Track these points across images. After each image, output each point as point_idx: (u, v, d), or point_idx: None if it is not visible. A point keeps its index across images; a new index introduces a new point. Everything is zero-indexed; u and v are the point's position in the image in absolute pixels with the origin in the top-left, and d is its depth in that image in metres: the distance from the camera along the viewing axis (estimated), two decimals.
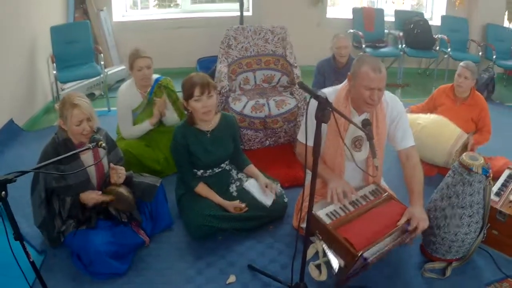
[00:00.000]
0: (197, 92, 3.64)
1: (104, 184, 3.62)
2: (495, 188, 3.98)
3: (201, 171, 3.97)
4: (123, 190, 3.54)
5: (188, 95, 3.69)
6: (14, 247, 2.48)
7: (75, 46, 6.84)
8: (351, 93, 3.44)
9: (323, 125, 2.54)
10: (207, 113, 3.73)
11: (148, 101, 4.69)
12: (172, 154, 3.96)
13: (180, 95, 4.07)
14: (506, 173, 4.33)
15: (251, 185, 4.05)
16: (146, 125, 4.66)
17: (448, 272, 3.49)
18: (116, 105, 4.71)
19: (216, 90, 3.83)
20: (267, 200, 3.94)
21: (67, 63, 6.68)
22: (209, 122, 3.88)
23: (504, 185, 4.10)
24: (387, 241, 3.10)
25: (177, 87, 4.79)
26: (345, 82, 3.53)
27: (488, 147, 5.15)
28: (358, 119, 3.45)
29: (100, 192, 3.52)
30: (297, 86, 5.31)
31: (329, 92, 3.46)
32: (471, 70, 5.03)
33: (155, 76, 4.74)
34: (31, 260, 2.57)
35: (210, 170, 3.99)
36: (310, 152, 2.62)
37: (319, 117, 2.48)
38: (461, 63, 5.12)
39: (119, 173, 3.56)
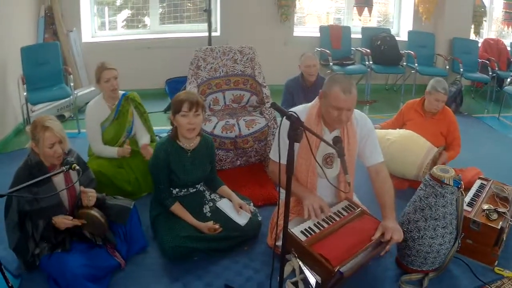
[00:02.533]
0: (185, 107, 3.67)
1: (76, 206, 3.58)
2: (467, 199, 4.03)
3: (177, 189, 3.97)
4: (95, 212, 3.51)
5: (176, 110, 3.72)
6: None
7: (45, 67, 6.76)
8: (322, 111, 3.47)
9: (295, 143, 2.55)
10: (190, 131, 3.75)
11: (116, 114, 4.71)
12: (152, 169, 3.94)
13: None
14: (477, 183, 4.41)
15: (224, 204, 4.06)
16: (113, 152, 4.65)
17: (425, 283, 3.50)
18: (85, 120, 4.71)
19: (204, 110, 3.86)
20: (241, 219, 3.93)
21: (37, 84, 6.60)
22: (191, 141, 3.89)
23: (476, 195, 4.16)
24: (363, 255, 3.10)
25: (147, 108, 4.92)
26: (316, 99, 3.56)
27: (458, 158, 5.20)
28: (329, 136, 3.47)
29: (71, 218, 3.47)
30: (266, 105, 5.33)
31: (300, 110, 3.46)
32: (447, 92, 5.06)
33: (121, 92, 4.77)
34: (10, 285, 2.54)
35: (185, 190, 3.99)
36: (283, 170, 2.62)
37: (292, 137, 2.49)
38: (439, 88, 5.02)
39: (90, 196, 3.53)
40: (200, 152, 3.98)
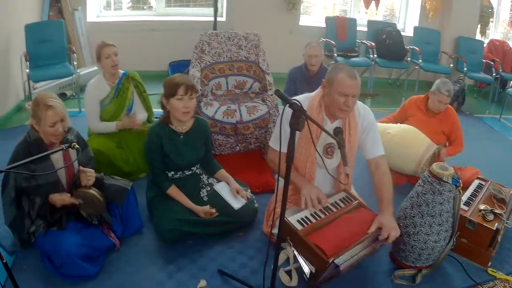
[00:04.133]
0: (181, 91, 3.68)
1: (74, 185, 3.56)
2: (464, 198, 4.03)
3: (172, 172, 3.97)
4: (94, 192, 3.50)
5: (171, 93, 3.72)
6: None
7: (49, 45, 6.74)
8: (325, 100, 3.47)
9: (296, 132, 2.53)
10: (186, 114, 3.76)
11: (116, 92, 4.72)
12: (146, 153, 3.96)
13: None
14: (475, 183, 4.41)
15: (221, 187, 4.07)
16: (112, 127, 4.70)
17: (418, 279, 3.52)
18: (85, 97, 4.71)
19: (197, 93, 3.86)
20: (236, 203, 3.94)
21: (40, 62, 6.57)
22: (184, 124, 3.90)
23: (474, 194, 4.17)
24: (358, 248, 3.10)
25: (149, 90, 4.89)
26: (319, 89, 3.55)
27: (458, 157, 5.20)
28: (330, 126, 3.48)
29: (69, 195, 3.46)
30: (269, 92, 5.31)
31: (302, 99, 3.43)
32: (451, 95, 5.02)
33: (121, 71, 4.79)
34: (4, 261, 2.53)
35: (181, 172, 3.99)
36: (283, 158, 2.61)
37: (293, 125, 2.48)
38: (443, 90, 4.95)
39: (89, 176, 3.51)
40: (194, 134, 3.98)
